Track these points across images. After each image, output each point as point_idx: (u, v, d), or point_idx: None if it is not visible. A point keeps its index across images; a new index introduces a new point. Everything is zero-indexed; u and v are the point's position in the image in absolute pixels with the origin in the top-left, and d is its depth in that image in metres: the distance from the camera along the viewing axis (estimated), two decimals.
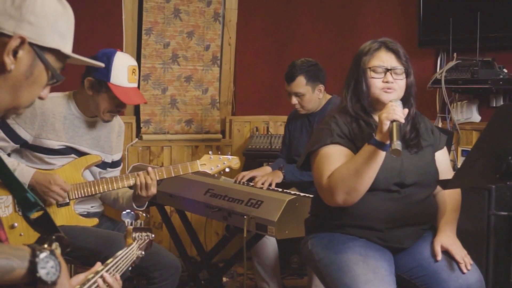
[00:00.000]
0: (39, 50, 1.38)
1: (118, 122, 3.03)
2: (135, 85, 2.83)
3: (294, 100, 3.61)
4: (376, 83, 2.34)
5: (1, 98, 1.36)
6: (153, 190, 2.79)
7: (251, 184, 3.36)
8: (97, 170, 2.92)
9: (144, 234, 2.01)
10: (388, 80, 2.32)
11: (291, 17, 5.04)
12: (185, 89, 4.77)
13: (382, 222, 2.29)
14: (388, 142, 2.11)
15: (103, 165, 2.93)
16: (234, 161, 2.89)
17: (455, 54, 3.89)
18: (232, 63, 5.00)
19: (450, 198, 2.42)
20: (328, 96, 3.69)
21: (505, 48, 3.81)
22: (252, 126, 5.02)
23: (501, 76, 3.69)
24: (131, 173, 2.81)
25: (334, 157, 2.28)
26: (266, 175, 3.42)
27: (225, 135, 4.99)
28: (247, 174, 3.54)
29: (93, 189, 2.76)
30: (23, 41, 1.34)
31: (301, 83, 3.57)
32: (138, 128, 4.63)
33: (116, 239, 2.61)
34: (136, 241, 1.96)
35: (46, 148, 2.75)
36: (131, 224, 1.96)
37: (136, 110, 4.64)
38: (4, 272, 1.28)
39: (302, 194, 3.03)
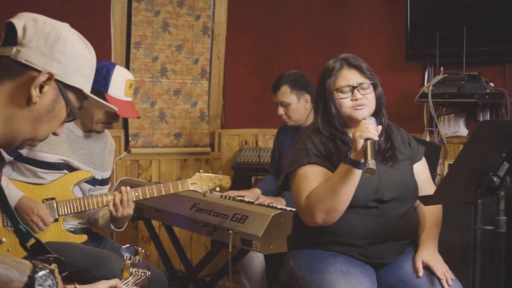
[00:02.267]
0: (63, 88, 1.48)
1: (110, 140, 3.04)
2: (131, 99, 2.87)
3: (281, 110, 3.64)
4: (346, 103, 2.34)
5: (21, 128, 1.45)
6: (129, 210, 2.76)
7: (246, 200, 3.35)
8: (86, 187, 2.91)
9: (141, 270, 2.01)
10: (356, 97, 2.33)
11: (280, 31, 5.06)
12: (174, 102, 4.77)
13: (362, 238, 2.29)
14: (363, 160, 2.10)
15: (93, 181, 2.92)
16: (225, 180, 2.90)
17: (442, 68, 3.90)
18: (221, 77, 5.00)
19: (430, 212, 2.42)
20: None
21: (491, 62, 3.84)
22: (241, 139, 5.03)
23: (488, 90, 3.70)
24: (119, 190, 2.79)
25: (311, 177, 2.28)
26: (270, 198, 3.41)
27: (214, 148, 4.99)
28: (235, 194, 3.54)
29: (82, 206, 2.75)
30: (50, 77, 1.44)
31: (285, 92, 3.62)
32: (127, 141, 4.63)
33: (104, 258, 2.60)
34: (132, 276, 1.96)
35: (40, 161, 2.74)
36: (130, 259, 1.95)
37: (125, 123, 4.64)
38: (1, 282, 1.31)
39: (288, 208, 3.03)
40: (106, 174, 3.02)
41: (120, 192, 2.75)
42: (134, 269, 1.97)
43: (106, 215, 2.87)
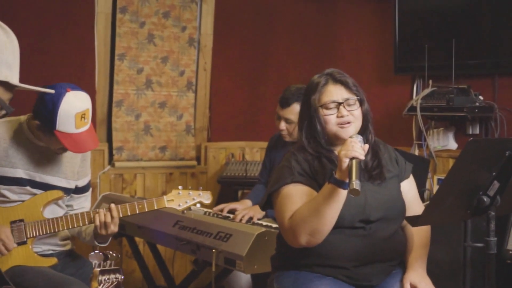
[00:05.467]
0: None
1: None
2: (86, 127, 2.66)
3: (283, 125, 3.49)
4: (331, 119, 2.26)
5: None
6: (114, 228, 2.67)
7: (231, 216, 3.26)
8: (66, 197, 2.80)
9: (112, 276, 1.93)
10: (342, 114, 2.25)
11: (268, 42, 5.00)
12: (159, 115, 4.69)
13: (348, 260, 2.20)
14: (348, 180, 2.03)
15: (66, 191, 2.80)
16: (205, 196, 2.75)
17: (430, 81, 3.85)
18: (208, 89, 4.92)
19: (418, 233, 2.34)
20: None
21: (480, 75, 3.79)
22: (228, 152, 4.95)
23: (477, 104, 3.65)
24: (94, 210, 2.69)
25: (295, 196, 2.20)
26: (247, 209, 3.32)
27: (200, 161, 4.91)
28: (227, 206, 3.45)
29: (52, 227, 2.64)
30: None
31: (294, 110, 3.46)
32: (111, 155, 4.53)
33: (66, 284, 2.49)
34: (102, 284, 1.87)
35: (0, 176, 2.64)
36: (99, 266, 1.87)
37: (109, 136, 4.55)
38: None
39: (274, 226, 2.94)
40: (82, 182, 2.89)
41: (108, 210, 2.65)
42: (104, 277, 1.88)
43: (89, 229, 2.78)
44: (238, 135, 5.01)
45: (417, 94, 4.05)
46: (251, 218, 3.21)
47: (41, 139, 2.70)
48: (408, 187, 2.39)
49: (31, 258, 2.63)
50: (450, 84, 3.71)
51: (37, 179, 2.72)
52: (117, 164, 4.51)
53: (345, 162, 2.04)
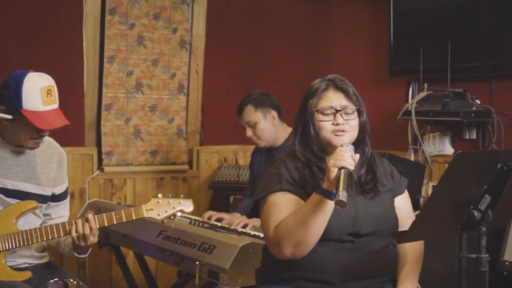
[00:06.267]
0: None
1: (57, 152, 2.80)
2: (54, 106, 2.54)
3: (249, 132, 3.51)
4: (326, 126, 2.16)
5: None
6: (93, 239, 2.56)
7: (219, 224, 3.17)
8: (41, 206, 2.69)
9: None
10: (338, 122, 2.15)
11: (261, 44, 4.89)
12: (149, 119, 4.59)
13: (335, 275, 2.10)
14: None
15: (42, 199, 2.69)
16: (186, 205, 2.62)
17: (425, 85, 3.74)
18: (200, 92, 4.82)
19: (411, 248, 2.24)
20: (290, 129, 3.52)
21: (477, 78, 3.67)
22: (221, 156, 4.85)
23: (474, 108, 3.54)
24: (69, 221, 2.58)
25: (282, 206, 2.10)
26: (244, 217, 3.22)
27: (193, 166, 4.80)
28: (215, 215, 3.36)
29: (25, 239, 2.53)
30: None
31: (250, 111, 3.50)
32: (100, 159, 4.43)
33: None
34: None
35: None
36: None
37: (98, 141, 4.45)
38: None
39: (261, 236, 2.84)
40: (59, 189, 2.77)
41: (86, 220, 2.54)
42: None
43: (68, 240, 2.67)
44: (231, 138, 4.89)
45: (412, 97, 3.94)
46: (246, 225, 3.13)
47: (10, 134, 2.58)
48: (402, 203, 2.30)
49: (4, 272, 2.51)
50: (446, 87, 3.60)
51: (9, 186, 2.60)
52: (106, 169, 4.41)
53: (333, 172, 1.95)
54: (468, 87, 3.61)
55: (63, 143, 4.21)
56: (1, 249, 2.52)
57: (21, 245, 2.54)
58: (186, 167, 4.74)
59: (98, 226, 2.55)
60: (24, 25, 4.11)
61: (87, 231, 2.52)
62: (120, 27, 4.40)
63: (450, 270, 3.13)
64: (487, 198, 1.91)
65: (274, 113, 3.50)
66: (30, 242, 2.54)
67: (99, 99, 4.41)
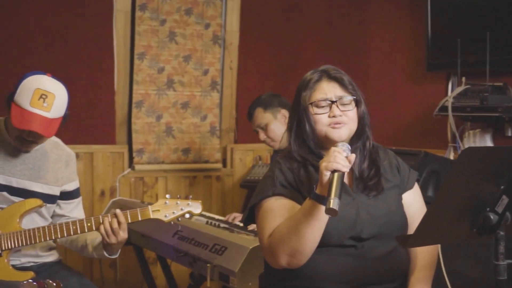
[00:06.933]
0: None
1: (65, 151, 2.74)
2: (43, 113, 2.44)
3: (262, 135, 3.45)
4: (322, 119, 2.01)
5: None
6: (123, 235, 2.48)
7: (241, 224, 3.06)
8: (47, 205, 2.63)
9: None
10: (334, 113, 1.99)
11: (296, 39, 4.75)
12: (181, 116, 4.51)
13: (336, 282, 1.94)
14: None
15: (50, 198, 2.63)
16: (195, 206, 2.51)
17: (463, 79, 3.52)
18: (234, 88, 4.72)
19: (423, 251, 2.05)
20: None
21: None
22: (255, 154, 4.73)
23: None
24: (80, 220, 2.49)
25: (276, 212, 1.96)
26: None
27: (226, 164, 4.70)
28: (239, 217, 3.26)
29: (29, 238, 2.47)
30: None
31: (259, 113, 3.46)
32: (131, 157, 4.38)
33: None
34: None
35: None
36: None
37: (129, 138, 4.40)
38: None
39: None
40: (69, 187, 2.71)
41: (115, 215, 2.46)
42: None
43: (96, 241, 2.60)
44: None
45: (452, 92, 3.72)
46: None
47: (11, 130, 2.53)
48: (412, 199, 2.11)
49: (6, 272, 2.46)
50: (484, 81, 3.38)
51: (14, 184, 2.56)
52: (137, 167, 4.36)
53: (326, 175, 1.79)
54: (509, 81, 3.38)
55: (93, 141, 4.24)
56: (4, 248, 2.47)
57: (24, 244, 2.48)
58: (219, 165, 4.65)
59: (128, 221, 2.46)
60: (54, 23, 4.09)
61: (115, 225, 2.44)
62: (151, 23, 4.34)
63: (487, 277, 2.92)
64: (505, 200, 1.73)
65: (284, 112, 3.39)
66: (33, 241, 2.48)
67: (130, 96, 4.37)
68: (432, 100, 3.88)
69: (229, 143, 4.73)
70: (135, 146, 4.37)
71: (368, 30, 4.36)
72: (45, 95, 2.44)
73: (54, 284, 1.71)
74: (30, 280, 1.71)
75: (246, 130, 4.78)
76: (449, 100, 3.48)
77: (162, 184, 4.45)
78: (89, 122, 4.21)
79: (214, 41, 4.56)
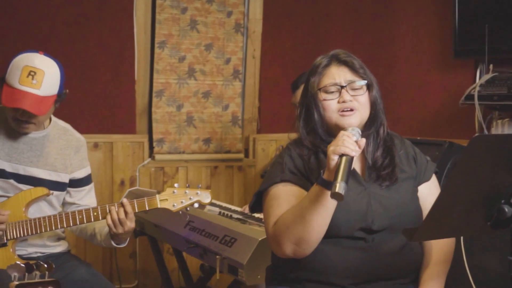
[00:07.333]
0: None
1: (74, 137, 2.69)
2: (31, 90, 2.38)
3: None
4: (331, 105, 1.92)
5: None
6: (130, 225, 2.41)
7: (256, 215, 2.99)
8: (56, 193, 2.58)
9: None
10: (344, 99, 1.90)
11: (321, 27, 4.64)
12: (202, 105, 4.45)
13: (345, 277, 1.85)
14: None
15: (58, 186, 2.58)
16: (204, 196, 2.42)
17: (491, 66, 3.38)
18: (257, 77, 4.63)
19: (438, 245, 1.95)
20: None
21: None
22: (278, 144, 4.64)
23: None
24: (87, 209, 2.43)
25: (282, 198, 1.88)
26: None
27: (249, 154, 4.63)
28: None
29: (34, 228, 2.42)
30: None
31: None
32: (151, 147, 4.34)
33: None
34: None
35: None
36: (19, 279, 1.63)
37: (149, 128, 4.35)
38: None
39: None
40: (79, 174, 2.66)
41: (122, 204, 2.40)
42: None
43: (105, 230, 2.54)
44: (290, 126, 4.66)
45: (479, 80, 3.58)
46: None
47: (9, 113, 2.48)
48: (428, 192, 2.00)
49: (11, 262, 2.41)
50: None
51: (21, 171, 2.51)
52: (157, 157, 4.31)
53: (333, 159, 1.72)
54: None
55: (113, 131, 4.20)
56: (9, 238, 2.43)
57: (29, 233, 2.44)
58: (241, 155, 4.57)
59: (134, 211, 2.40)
60: (74, 11, 4.06)
61: (122, 216, 2.39)
62: (171, 11, 4.28)
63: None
64: None
65: None
66: (39, 231, 2.44)
67: (150, 85, 4.32)
68: (460, 88, 3.74)
69: (252, 133, 4.65)
70: (155, 136, 4.32)
71: (394, 17, 4.23)
72: (34, 72, 2.39)
73: (46, 265, 1.65)
74: (18, 262, 1.65)
75: (269, 119, 4.70)
76: (475, 89, 3.34)
77: (183, 174, 4.40)
78: (109, 111, 4.17)
79: (237, 29, 4.48)
